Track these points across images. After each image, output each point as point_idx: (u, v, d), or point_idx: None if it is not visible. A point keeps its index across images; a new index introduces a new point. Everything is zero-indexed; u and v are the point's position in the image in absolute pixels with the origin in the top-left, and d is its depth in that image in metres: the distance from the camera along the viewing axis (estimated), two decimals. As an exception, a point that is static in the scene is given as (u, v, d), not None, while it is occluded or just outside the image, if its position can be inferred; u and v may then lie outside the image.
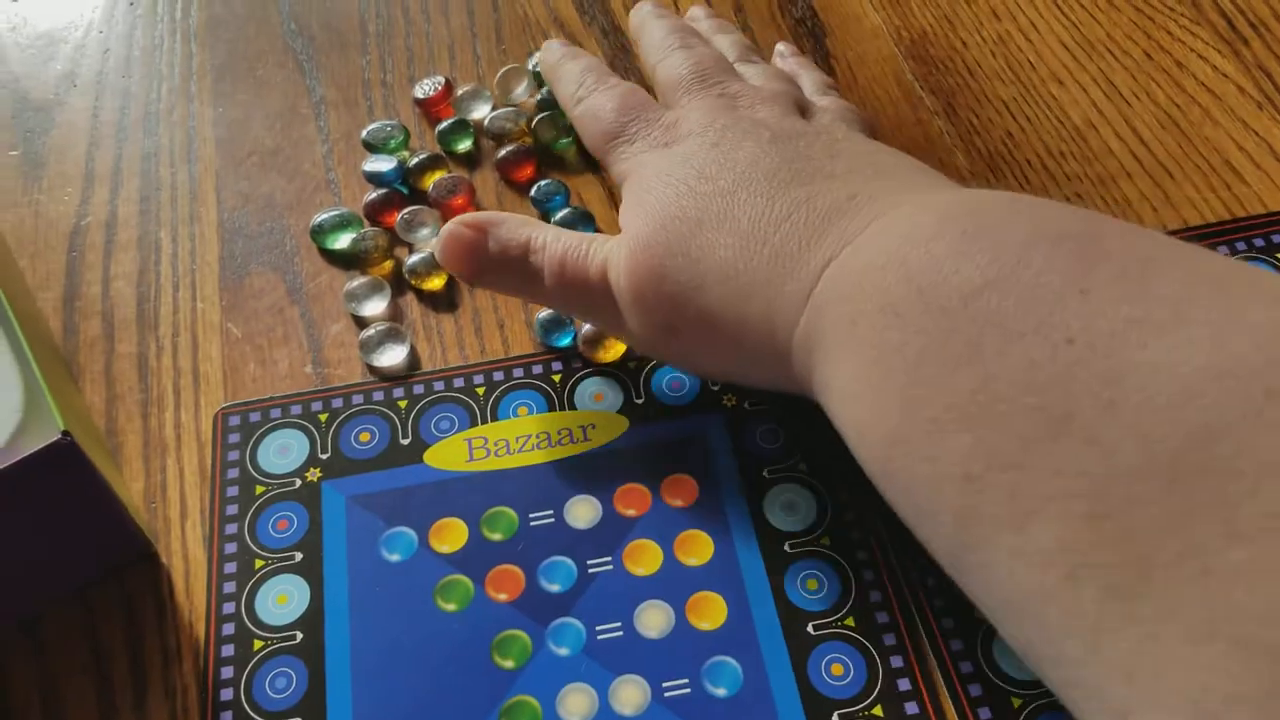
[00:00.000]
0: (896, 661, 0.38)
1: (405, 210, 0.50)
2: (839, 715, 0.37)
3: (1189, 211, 0.50)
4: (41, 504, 0.36)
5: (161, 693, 0.39)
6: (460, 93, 0.55)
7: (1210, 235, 0.49)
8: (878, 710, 0.37)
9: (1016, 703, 0.37)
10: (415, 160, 0.52)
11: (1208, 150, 0.52)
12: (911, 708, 0.37)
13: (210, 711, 0.38)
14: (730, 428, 0.43)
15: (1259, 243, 0.48)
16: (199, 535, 0.42)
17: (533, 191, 0.51)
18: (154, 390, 0.46)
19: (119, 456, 0.44)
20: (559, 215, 0.50)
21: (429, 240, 0.50)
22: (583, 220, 0.50)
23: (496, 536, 0.41)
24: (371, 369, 0.46)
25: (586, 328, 0.45)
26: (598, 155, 0.44)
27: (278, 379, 0.46)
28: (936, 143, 0.53)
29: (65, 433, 0.35)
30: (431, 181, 0.52)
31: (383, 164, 0.52)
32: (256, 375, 0.46)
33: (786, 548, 0.40)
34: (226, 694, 0.38)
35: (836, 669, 0.37)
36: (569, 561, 0.40)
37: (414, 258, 0.49)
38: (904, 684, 0.37)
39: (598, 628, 0.39)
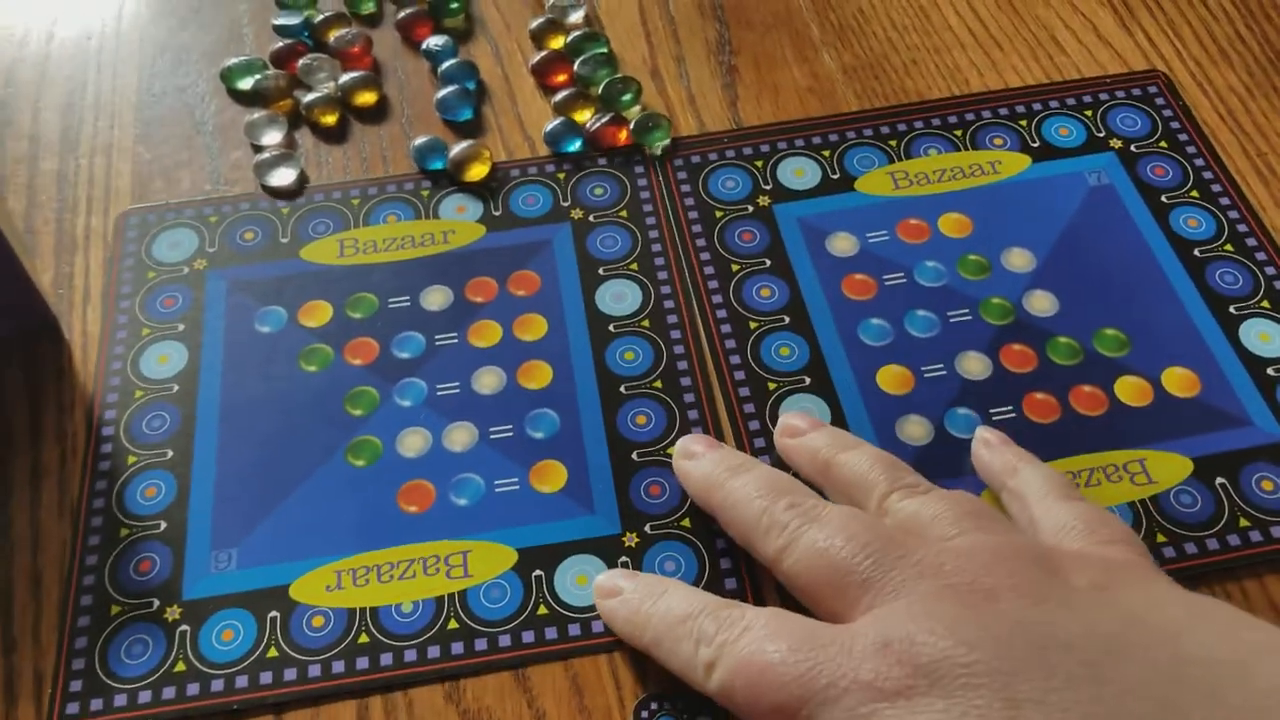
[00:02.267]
0: (693, 415, 0.43)
1: (307, 56, 0.55)
2: (637, 454, 0.42)
3: (1011, 76, 0.55)
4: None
5: (54, 438, 0.44)
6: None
7: (1026, 95, 0.54)
8: (670, 451, 0.42)
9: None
10: (321, 17, 0.57)
11: (1037, 27, 0.58)
12: (700, 451, 0.42)
13: (93, 447, 0.43)
14: (575, 235, 0.48)
15: (1070, 102, 0.54)
16: (98, 315, 0.47)
17: (423, 45, 0.56)
18: (69, 199, 0.51)
19: (34, 252, 0.49)
20: (446, 65, 0.55)
21: (326, 82, 0.55)
22: (466, 71, 0.55)
23: (358, 315, 0.46)
24: (265, 188, 0.51)
25: (457, 149, 0.50)
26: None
27: (180, 195, 0.51)
28: (795, 15, 0.58)
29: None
30: (334, 35, 0.57)
31: (291, 19, 0.57)
32: (160, 190, 0.52)
33: (611, 328, 0.45)
34: (108, 431, 0.43)
35: (641, 419, 0.43)
36: (419, 336, 0.45)
37: (311, 95, 0.54)
38: (697, 430, 0.42)
39: (438, 386, 0.44)
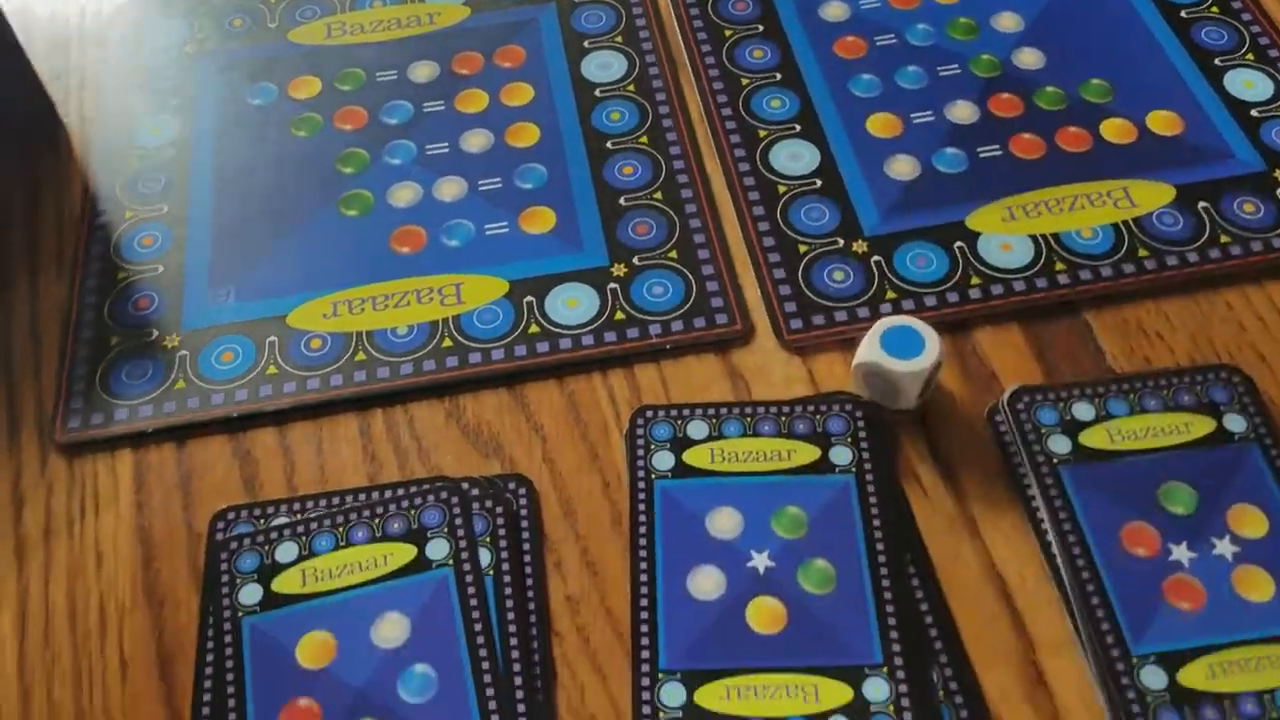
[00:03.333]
0: (679, 164, 0.46)
1: None
2: (625, 199, 0.45)
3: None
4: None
5: (52, 209, 0.47)
6: None
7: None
8: (657, 195, 0.45)
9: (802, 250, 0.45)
10: None
11: None
12: (686, 193, 0.45)
13: (89, 209, 0.46)
14: (560, 13, 0.51)
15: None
16: (94, 100, 0.50)
17: None
18: None
19: (30, 50, 0.52)
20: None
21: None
22: None
23: (347, 88, 0.49)
24: (252, -14, 0.54)
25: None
26: None
27: None
28: None
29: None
30: None
31: None
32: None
33: (597, 93, 0.48)
34: (104, 193, 0.46)
35: (628, 170, 0.46)
36: (407, 104, 0.49)
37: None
38: (683, 178, 0.45)
39: (427, 147, 0.47)
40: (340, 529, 0.37)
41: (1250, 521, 0.36)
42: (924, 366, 0.37)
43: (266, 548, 0.36)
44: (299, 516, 0.37)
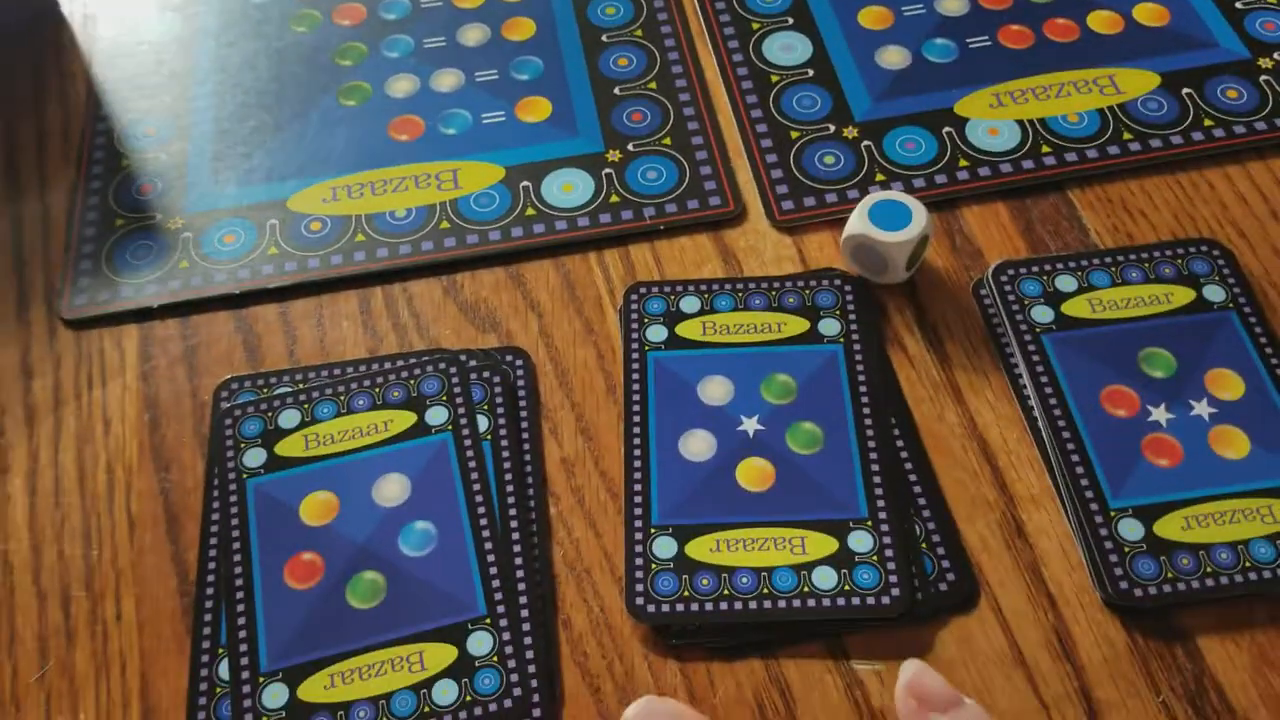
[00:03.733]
0: (674, 55, 0.47)
1: None
2: (619, 89, 0.46)
3: None
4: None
5: (58, 101, 0.47)
6: None
7: None
8: (652, 85, 0.46)
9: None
10: None
11: None
12: (680, 83, 0.46)
13: (93, 100, 0.47)
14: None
15: None
16: (96, 0, 0.51)
17: None
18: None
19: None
20: None
21: None
22: None
23: (346, -13, 0.50)
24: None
25: None
26: None
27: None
28: None
29: None
30: None
31: None
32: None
33: (592, -12, 0.49)
34: (107, 86, 0.47)
35: (622, 61, 0.46)
36: (405, 0, 0.49)
37: None
38: (677, 69, 0.46)
39: (425, 40, 0.48)
40: (341, 397, 0.37)
41: (1228, 384, 0.37)
42: (911, 237, 0.38)
43: (270, 414, 0.37)
44: (301, 386, 0.38)
